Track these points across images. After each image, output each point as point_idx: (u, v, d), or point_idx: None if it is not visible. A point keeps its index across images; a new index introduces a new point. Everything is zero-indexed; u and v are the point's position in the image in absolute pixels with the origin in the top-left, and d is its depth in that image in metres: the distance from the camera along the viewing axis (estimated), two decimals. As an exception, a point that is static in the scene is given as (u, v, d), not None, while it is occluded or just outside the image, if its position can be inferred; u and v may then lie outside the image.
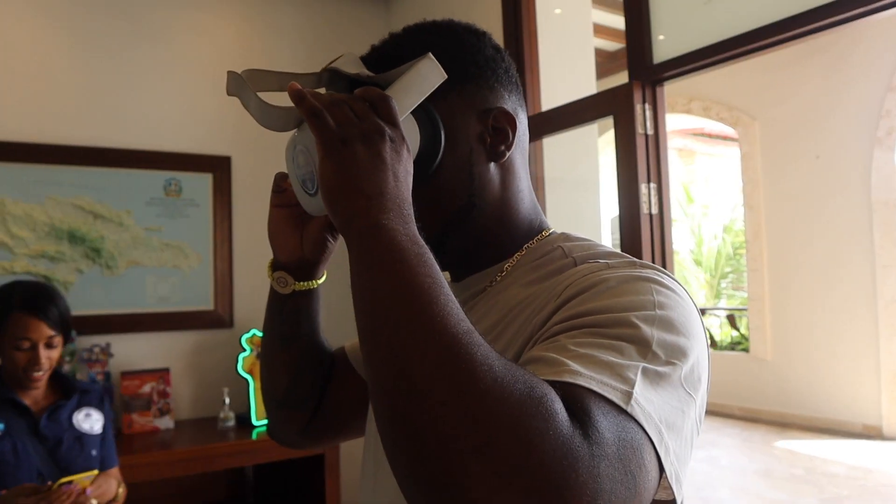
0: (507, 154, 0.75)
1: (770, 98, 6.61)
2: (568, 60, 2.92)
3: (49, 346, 1.85)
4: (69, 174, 2.82)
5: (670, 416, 0.53)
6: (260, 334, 3.06)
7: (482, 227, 0.76)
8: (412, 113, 0.70)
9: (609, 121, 2.34)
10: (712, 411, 7.19)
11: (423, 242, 0.57)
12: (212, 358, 3.08)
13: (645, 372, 0.53)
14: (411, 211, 0.60)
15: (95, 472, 1.81)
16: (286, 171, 0.76)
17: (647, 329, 0.56)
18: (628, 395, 0.51)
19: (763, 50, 1.96)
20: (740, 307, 8.58)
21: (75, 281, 2.81)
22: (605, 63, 6.30)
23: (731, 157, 10.28)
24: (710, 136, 10.06)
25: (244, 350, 2.95)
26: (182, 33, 3.13)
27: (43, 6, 2.85)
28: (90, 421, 1.93)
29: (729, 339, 8.17)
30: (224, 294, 3.10)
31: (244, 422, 2.89)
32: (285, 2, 3.38)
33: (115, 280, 2.90)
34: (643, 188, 2.19)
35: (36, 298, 1.86)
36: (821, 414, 6.32)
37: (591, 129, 2.82)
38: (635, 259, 0.68)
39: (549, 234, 0.79)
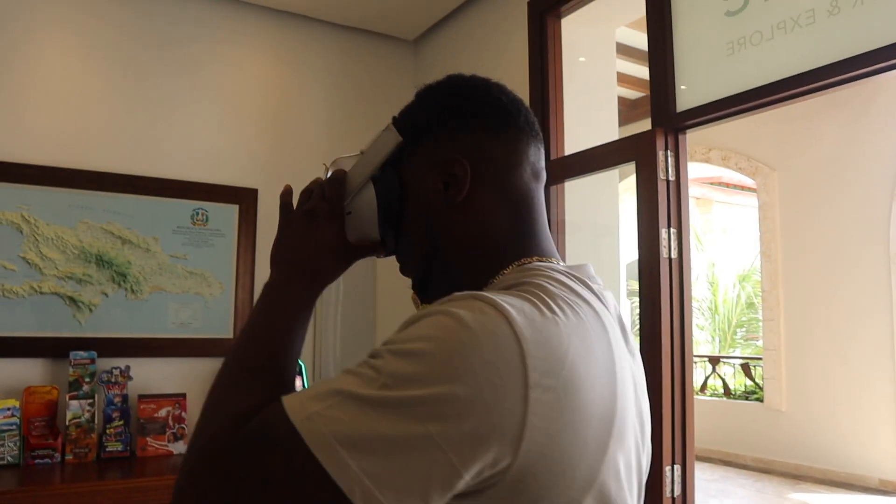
0: (460, 197, 0.78)
1: (790, 149, 6.65)
2: (592, 107, 2.98)
3: None
4: (102, 200, 2.90)
5: (364, 436, 0.56)
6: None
7: (456, 266, 0.81)
8: (373, 178, 0.82)
9: (629, 167, 2.38)
10: (725, 460, 7.09)
11: (294, 296, 0.80)
12: (229, 386, 3.10)
13: (350, 395, 0.59)
14: (314, 269, 0.83)
15: None
16: None
17: (390, 359, 0.60)
18: (302, 412, 0.59)
19: (784, 101, 2.00)
20: (755, 356, 8.50)
21: (100, 303, 2.86)
22: (626, 111, 6.38)
23: (749, 207, 10.29)
24: (727, 185, 10.10)
25: (261, 379, 2.97)
26: (217, 67, 3.23)
27: (83, 35, 2.96)
28: None
29: (743, 388, 8.09)
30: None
31: (258, 451, 2.89)
32: (317, 40, 3.48)
33: (138, 304, 2.95)
34: (663, 233, 2.22)
35: None
36: (836, 467, 6.21)
37: (612, 174, 2.86)
38: (515, 294, 0.66)
39: (520, 265, 0.77)
